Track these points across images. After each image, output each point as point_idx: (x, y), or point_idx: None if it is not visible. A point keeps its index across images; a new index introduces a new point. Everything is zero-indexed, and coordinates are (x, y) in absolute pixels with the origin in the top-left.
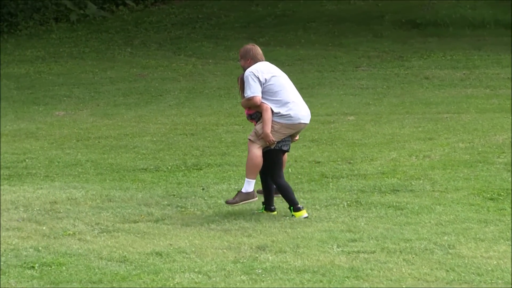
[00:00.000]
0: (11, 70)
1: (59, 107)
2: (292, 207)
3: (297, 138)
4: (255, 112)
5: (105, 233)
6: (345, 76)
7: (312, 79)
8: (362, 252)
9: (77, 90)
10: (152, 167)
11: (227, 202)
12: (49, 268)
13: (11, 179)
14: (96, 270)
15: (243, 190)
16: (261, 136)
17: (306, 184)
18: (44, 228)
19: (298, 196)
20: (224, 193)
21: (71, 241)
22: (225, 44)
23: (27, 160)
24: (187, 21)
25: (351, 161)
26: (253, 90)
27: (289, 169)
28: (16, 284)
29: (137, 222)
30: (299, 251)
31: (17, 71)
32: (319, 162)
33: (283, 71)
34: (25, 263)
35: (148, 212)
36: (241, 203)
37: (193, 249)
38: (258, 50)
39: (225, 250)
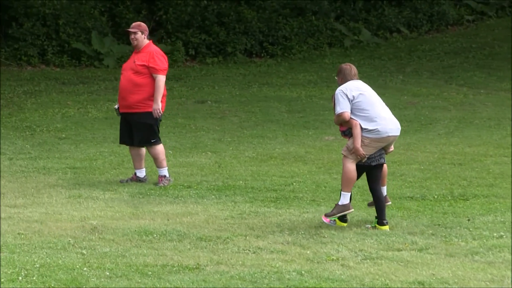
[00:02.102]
0: (283, 93)
1: (329, 131)
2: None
3: (391, 149)
4: (347, 129)
5: (368, 260)
6: None
7: None
8: None
9: None
10: (418, 196)
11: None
12: None
13: (277, 201)
14: None
15: (339, 203)
16: (352, 151)
17: None
18: (308, 252)
19: None
20: (489, 224)
21: (334, 266)
22: (498, 75)
23: (294, 183)
24: (460, 50)
25: None
26: (342, 107)
27: None
28: None
29: (401, 250)
30: None
31: (289, 95)
32: None
33: None
34: (287, 286)
35: (412, 241)
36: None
37: (456, 280)
38: (352, 70)
39: (488, 283)
